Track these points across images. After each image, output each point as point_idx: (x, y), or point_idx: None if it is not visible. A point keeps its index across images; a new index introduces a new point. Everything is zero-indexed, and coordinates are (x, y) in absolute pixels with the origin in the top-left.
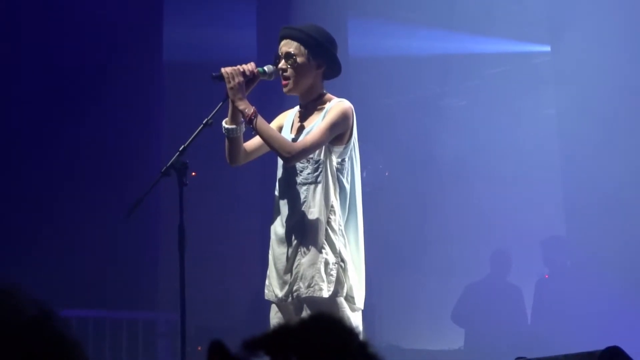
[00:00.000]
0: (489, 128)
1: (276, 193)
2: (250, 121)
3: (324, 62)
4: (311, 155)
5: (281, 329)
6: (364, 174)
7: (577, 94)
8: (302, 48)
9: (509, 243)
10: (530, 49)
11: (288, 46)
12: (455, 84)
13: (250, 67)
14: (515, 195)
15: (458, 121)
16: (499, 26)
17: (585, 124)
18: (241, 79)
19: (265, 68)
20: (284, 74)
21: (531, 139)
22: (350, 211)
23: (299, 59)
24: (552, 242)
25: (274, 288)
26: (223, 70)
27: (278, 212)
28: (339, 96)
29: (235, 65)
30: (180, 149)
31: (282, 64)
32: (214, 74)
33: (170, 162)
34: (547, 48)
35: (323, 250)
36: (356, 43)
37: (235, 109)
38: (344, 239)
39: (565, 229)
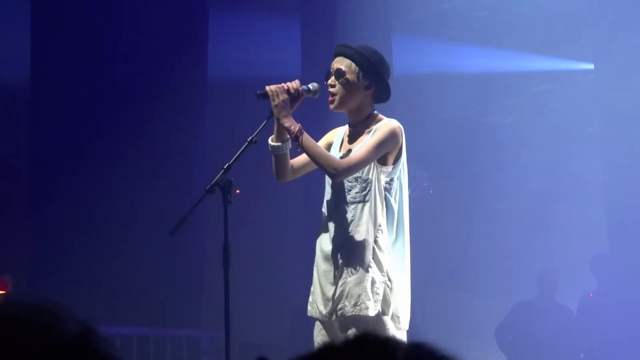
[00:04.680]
0: (532, 145)
1: (324, 210)
2: (296, 138)
3: (374, 83)
4: (359, 174)
5: (326, 348)
6: (409, 192)
7: (621, 113)
8: (353, 66)
9: (553, 261)
10: (573, 67)
11: (340, 63)
12: (499, 102)
13: (294, 84)
14: (559, 213)
15: (502, 138)
16: (542, 44)
17: (628, 143)
18: (286, 96)
19: (310, 86)
20: (331, 89)
21: (575, 156)
22: (397, 231)
23: (348, 77)
24: (596, 260)
25: (317, 305)
26: (267, 88)
27: (325, 230)
28: (382, 113)
29: (280, 83)
30: (225, 166)
31: (331, 80)
32: (258, 92)
33: (215, 180)
34: (591, 66)
35: (370, 269)
36: (400, 60)
37: (281, 127)
38: (391, 258)
39: (609, 246)
